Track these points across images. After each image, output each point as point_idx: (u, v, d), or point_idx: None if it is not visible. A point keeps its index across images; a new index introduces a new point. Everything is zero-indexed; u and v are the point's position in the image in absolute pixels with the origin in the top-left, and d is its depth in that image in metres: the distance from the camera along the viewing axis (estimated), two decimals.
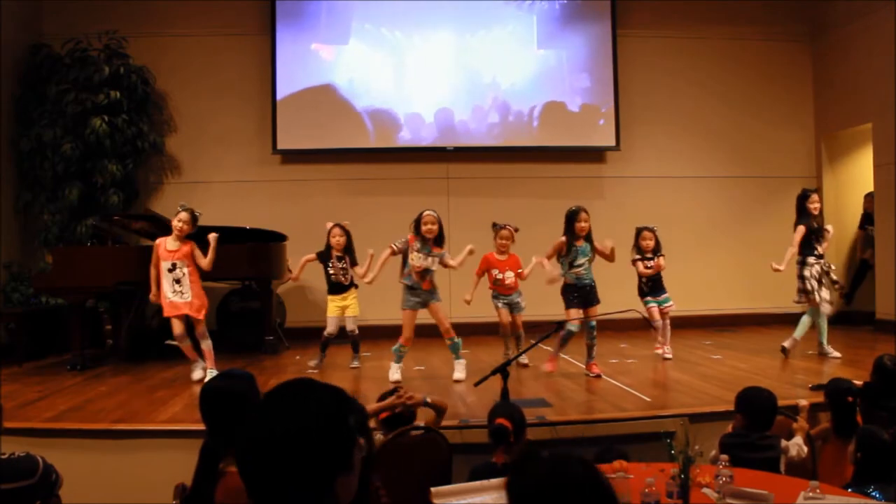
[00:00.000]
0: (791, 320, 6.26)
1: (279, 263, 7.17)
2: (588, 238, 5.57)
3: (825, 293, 5.97)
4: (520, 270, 5.90)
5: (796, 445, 3.22)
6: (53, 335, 7.07)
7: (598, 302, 5.61)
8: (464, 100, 8.42)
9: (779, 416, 3.30)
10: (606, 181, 8.67)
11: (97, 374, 5.98)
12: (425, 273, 5.35)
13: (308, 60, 8.31)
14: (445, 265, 5.47)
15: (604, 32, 8.53)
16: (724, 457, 2.62)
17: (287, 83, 8.23)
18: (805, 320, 6.04)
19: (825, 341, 6.06)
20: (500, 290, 5.88)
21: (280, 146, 8.24)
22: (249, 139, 8.29)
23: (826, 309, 5.99)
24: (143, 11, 8.11)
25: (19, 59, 7.73)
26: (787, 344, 6.04)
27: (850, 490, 2.64)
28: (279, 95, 8.20)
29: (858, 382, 3.59)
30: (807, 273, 5.97)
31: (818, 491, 2.44)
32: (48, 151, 7.43)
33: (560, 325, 5.45)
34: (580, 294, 5.54)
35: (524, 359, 5.89)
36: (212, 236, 5.61)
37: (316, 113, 8.29)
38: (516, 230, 5.95)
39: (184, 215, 5.55)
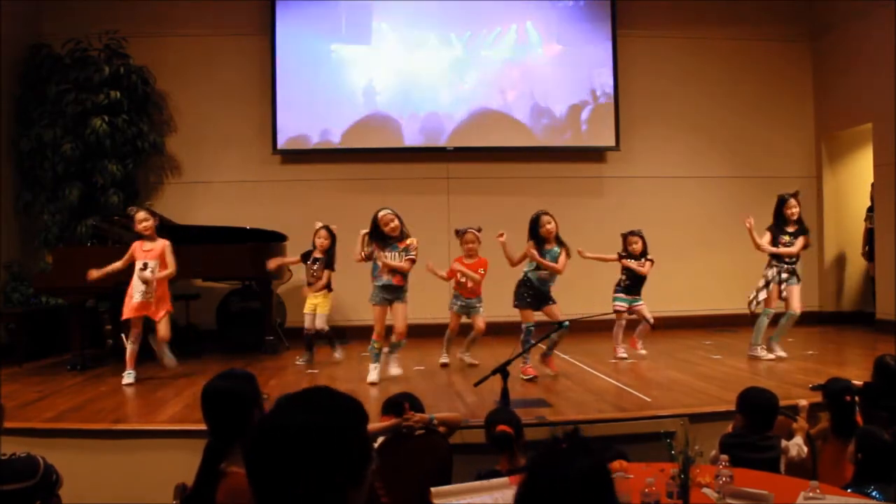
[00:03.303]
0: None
1: None
2: (558, 240, 5.53)
3: (762, 295, 6.04)
4: (481, 271, 5.90)
5: (796, 445, 3.22)
6: (53, 335, 7.07)
7: (553, 303, 5.55)
8: (464, 99, 8.42)
9: (779, 416, 3.30)
10: (606, 181, 8.67)
11: (97, 374, 5.97)
12: (394, 270, 5.31)
13: (308, 60, 8.30)
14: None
15: (604, 32, 8.53)
16: (724, 457, 2.62)
17: (287, 83, 8.23)
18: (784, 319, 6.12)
19: (758, 342, 6.11)
20: (462, 293, 5.92)
21: (280, 146, 8.24)
22: (249, 139, 8.28)
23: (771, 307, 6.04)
24: (143, 11, 8.10)
25: (19, 59, 7.74)
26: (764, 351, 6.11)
27: (850, 490, 2.64)
28: (279, 95, 8.20)
29: (858, 382, 3.59)
30: (767, 274, 6.06)
31: (818, 491, 2.44)
32: (48, 151, 7.43)
33: (560, 325, 5.45)
34: (535, 294, 5.51)
35: (468, 358, 6.05)
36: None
37: (316, 112, 8.29)
38: (479, 230, 5.97)
39: (140, 215, 5.53)
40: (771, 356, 6.03)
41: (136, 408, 4.73)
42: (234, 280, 7.38)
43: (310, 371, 6.01)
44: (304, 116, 8.28)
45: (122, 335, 5.68)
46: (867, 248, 8.24)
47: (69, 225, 7.48)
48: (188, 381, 5.49)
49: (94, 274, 5.45)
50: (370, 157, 8.43)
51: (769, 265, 6.11)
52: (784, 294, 6.02)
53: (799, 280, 6.10)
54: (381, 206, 5.58)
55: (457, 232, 6.07)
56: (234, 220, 7.41)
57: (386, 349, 5.49)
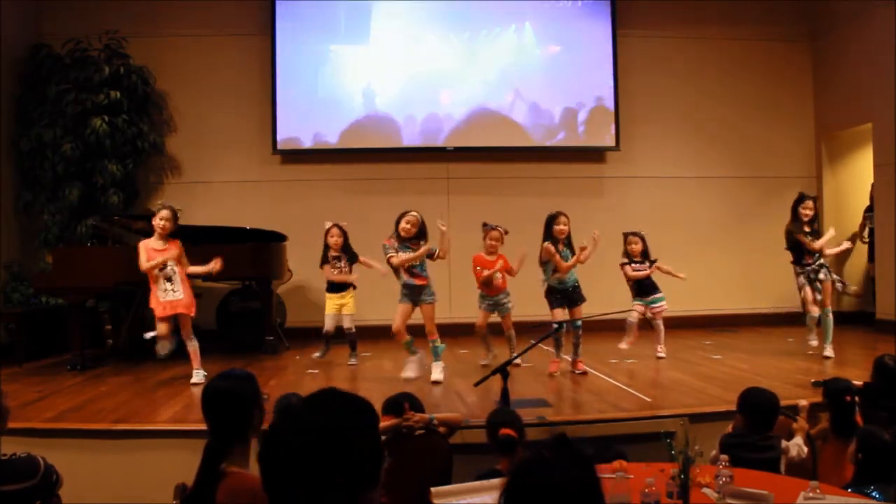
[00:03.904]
0: (791, 321, 6.26)
1: (279, 263, 7.17)
2: (568, 243, 5.65)
3: (809, 295, 6.02)
4: (510, 267, 5.88)
5: (796, 446, 3.22)
6: (53, 335, 7.07)
7: (583, 300, 5.67)
8: (463, 100, 8.41)
9: (779, 416, 3.30)
10: (606, 181, 8.67)
11: (97, 374, 5.98)
12: (412, 268, 5.32)
13: (308, 60, 8.30)
14: (438, 256, 5.41)
15: (604, 32, 8.53)
16: (724, 457, 2.62)
17: (287, 83, 8.23)
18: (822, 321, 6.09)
19: (809, 336, 6.11)
20: (487, 291, 5.89)
21: (280, 146, 8.24)
22: (249, 139, 8.28)
23: (813, 312, 6.00)
24: (143, 11, 8.10)
25: (19, 59, 7.73)
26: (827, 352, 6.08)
27: (850, 490, 2.64)
28: (279, 95, 8.20)
29: (858, 382, 3.59)
30: (798, 280, 6.07)
31: (818, 491, 2.44)
32: (48, 151, 7.43)
33: (560, 325, 5.48)
34: (563, 296, 5.65)
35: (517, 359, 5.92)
36: (217, 263, 5.60)
37: (316, 113, 8.29)
38: (506, 232, 5.94)
39: (165, 213, 5.52)
40: (815, 342, 6.05)
41: (136, 408, 4.73)
42: (234, 280, 7.38)
43: (310, 371, 6.01)
44: (304, 117, 8.28)
45: (150, 335, 5.58)
46: (863, 235, 8.28)
47: (69, 225, 7.48)
48: (188, 381, 5.49)
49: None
50: (370, 157, 8.43)
51: (796, 273, 6.09)
52: (820, 294, 6.01)
53: (831, 273, 6.09)
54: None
55: (484, 225, 6.01)
56: (234, 220, 7.41)
57: (432, 359, 5.49)
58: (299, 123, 8.28)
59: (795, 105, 8.92)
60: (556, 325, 5.44)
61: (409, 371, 5.37)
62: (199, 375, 5.48)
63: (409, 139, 8.36)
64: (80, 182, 7.49)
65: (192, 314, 5.55)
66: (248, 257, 6.69)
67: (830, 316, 6.07)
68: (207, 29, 8.25)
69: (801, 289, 6.07)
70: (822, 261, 6.03)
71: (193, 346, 5.55)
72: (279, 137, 8.22)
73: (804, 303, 6.04)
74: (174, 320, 5.50)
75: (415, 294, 5.38)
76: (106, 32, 7.72)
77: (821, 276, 6.00)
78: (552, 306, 5.66)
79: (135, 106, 7.78)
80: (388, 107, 8.34)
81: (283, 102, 8.21)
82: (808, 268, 6.02)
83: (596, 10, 8.55)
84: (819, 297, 5.98)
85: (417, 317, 5.48)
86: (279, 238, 7.23)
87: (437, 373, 5.40)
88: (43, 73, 7.65)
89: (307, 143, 8.31)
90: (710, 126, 8.76)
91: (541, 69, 8.52)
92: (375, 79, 8.36)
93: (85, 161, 7.51)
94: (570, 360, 5.75)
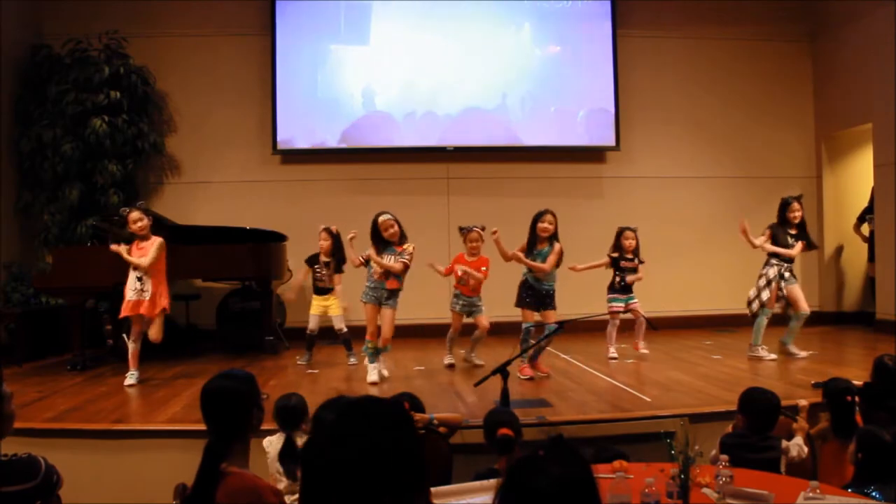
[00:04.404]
0: (790, 321, 6.26)
1: (279, 263, 7.17)
2: (551, 242, 5.55)
3: (765, 295, 6.01)
4: (483, 269, 5.88)
5: (797, 446, 3.22)
6: (53, 335, 7.07)
7: (553, 308, 5.60)
8: (463, 100, 8.42)
9: (779, 416, 3.30)
10: (606, 181, 8.67)
11: (97, 374, 5.98)
12: (388, 272, 5.32)
13: (308, 60, 8.31)
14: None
15: (604, 32, 8.53)
16: (724, 457, 2.62)
17: (287, 83, 8.23)
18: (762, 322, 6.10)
19: (759, 342, 6.09)
20: (463, 291, 5.92)
21: (280, 146, 8.24)
22: (249, 139, 8.28)
23: (773, 308, 6.01)
24: (143, 11, 8.10)
25: (19, 59, 7.73)
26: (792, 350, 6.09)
27: (850, 490, 2.64)
28: (279, 95, 8.20)
29: (858, 382, 3.59)
30: (769, 273, 6.05)
31: (818, 491, 2.44)
32: (48, 151, 7.43)
33: (560, 325, 5.45)
34: (534, 294, 5.59)
35: (475, 359, 6.05)
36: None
37: (316, 113, 8.29)
38: (483, 229, 5.94)
39: (134, 215, 5.47)
40: (772, 356, 6.02)
41: (136, 408, 4.73)
42: (234, 280, 7.38)
43: (310, 371, 6.01)
44: (304, 116, 8.28)
45: (124, 335, 5.68)
46: (860, 232, 8.29)
47: (69, 225, 7.48)
48: (188, 381, 5.50)
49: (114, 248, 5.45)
50: (370, 157, 8.43)
51: (769, 264, 6.09)
52: (783, 294, 6.02)
53: (796, 279, 6.10)
54: (381, 207, 5.59)
55: (461, 229, 6.04)
56: (234, 220, 7.41)
57: (366, 361, 5.43)
58: (299, 123, 8.28)
59: (795, 105, 8.92)
60: (556, 326, 5.40)
61: (374, 375, 5.34)
62: (132, 378, 5.44)
63: (409, 139, 8.36)
64: (80, 182, 7.49)
65: (154, 315, 5.44)
66: (247, 257, 6.69)
67: (806, 316, 6.07)
68: (207, 29, 8.25)
69: (770, 281, 6.00)
70: (791, 265, 6.04)
71: (135, 348, 5.48)
72: (279, 137, 8.22)
73: (770, 298, 5.98)
74: (140, 322, 5.46)
75: (381, 295, 5.34)
76: (106, 32, 7.72)
77: (786, 275, 6.00)
78: (521, 304, 5.60)
79: (135, 106, 7.78)
80: (387, 107, 8.34)
81: (282, 102, 8.21)
82: (785, 263, 6.02)
83: (596, 10, 8.55)
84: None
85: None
86: (279, 238, 7.23)
87: (373, 375, 5.34)
88: (43, 73, 7.66)
89: (307, 143, 8.30)
90: (710, 126, 8.76)
91: (540, 69, 8.52)
92: (375, 79, 8.36)
93: (85, 161, 7.51)
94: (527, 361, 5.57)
